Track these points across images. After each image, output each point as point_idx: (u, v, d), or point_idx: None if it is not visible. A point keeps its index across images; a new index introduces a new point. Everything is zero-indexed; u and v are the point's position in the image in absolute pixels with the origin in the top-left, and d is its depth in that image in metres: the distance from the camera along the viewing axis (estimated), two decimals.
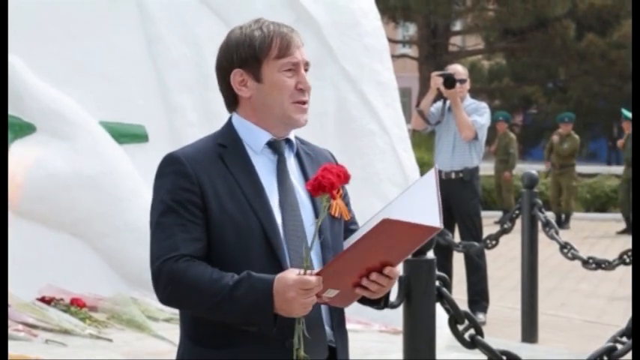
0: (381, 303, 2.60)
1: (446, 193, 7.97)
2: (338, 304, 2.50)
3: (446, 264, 7.88)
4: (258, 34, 2.56)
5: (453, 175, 7.97)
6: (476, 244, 7.80)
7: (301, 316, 2.43)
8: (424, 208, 2.37)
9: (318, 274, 2.39)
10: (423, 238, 2.42)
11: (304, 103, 2.58)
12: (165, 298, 2.49)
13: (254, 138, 2.58)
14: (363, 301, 2.56)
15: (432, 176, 2.40)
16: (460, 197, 7.92)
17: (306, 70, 2.60)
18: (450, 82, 7.96)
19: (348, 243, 2.51)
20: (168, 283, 2.45)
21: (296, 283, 2.37)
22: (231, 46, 2.58)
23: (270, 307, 2.39)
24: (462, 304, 4.28)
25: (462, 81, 8.10)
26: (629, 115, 15.09)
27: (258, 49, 2.55)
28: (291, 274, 2.40)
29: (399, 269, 2.49)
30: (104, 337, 5.88)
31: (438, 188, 2.40)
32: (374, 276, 2.44)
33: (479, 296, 8.09)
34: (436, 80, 7.99)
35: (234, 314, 2.42)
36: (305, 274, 2.39)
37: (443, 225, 2.39)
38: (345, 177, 2.42)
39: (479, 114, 8.12)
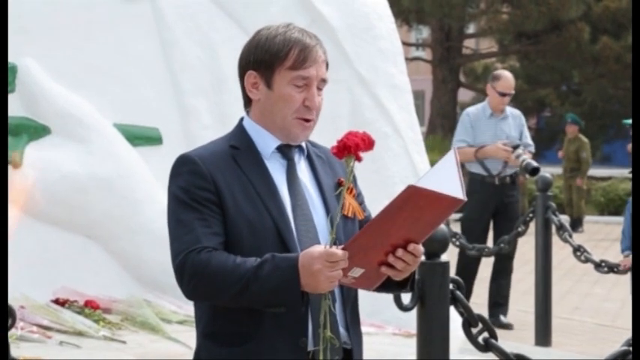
0: (407, 285, 2.58)
1: (500, 197, 7.95)
2: (363, 285, 2.49)
3: (474, 268, 7.89)
4: (279, 40, 2.54)
5: (508, 180, 8.00)
6: (489, 247, 7.80)
7: (327, 292, 2.42)
8: (447, 183, 2.37)
9: (343, 248, 2.40)
10: (447, 211, 2.42)
11: (308, 120, 2.56)
12: (191, 291, 2.48)
13: (264, 142, 2.58)
14: (389, 286, 2.55)
15: (452, 155, 2.41)
16: (512, 199, 7.96)
17: (320, 88, 2.57)
18: (534, 171, 7.81)
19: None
20: (193, 275, 2.45)
21: (322, 255, 2.37)
22: (252, 47, 2.58)
23: (296, 282, 2.38)
24: (477, 307, 4.28)
25: (510, 95, 8.12)
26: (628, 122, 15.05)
27: (274, 56, 2.53)
28: (317, 247, 2.40)
29: (422, 251, 2.48)
30: (118, 339, 5.90)
31: (459, 166, 2.40)
32: (400, 252, 2.43)
33: (504, 299, 8.10)
34: (504, 155, 7.86)
35: (261, 295, 2.41)
36: (331, 247, 2.39)
37: (466, 198, 2.40)
38: (369, 142, 2.42)
39: (525, 129, 8.14)
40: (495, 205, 7.97)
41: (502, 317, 7.96)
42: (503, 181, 7.95)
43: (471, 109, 8.19)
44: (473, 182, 8.00)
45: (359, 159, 2.43)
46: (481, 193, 7.89)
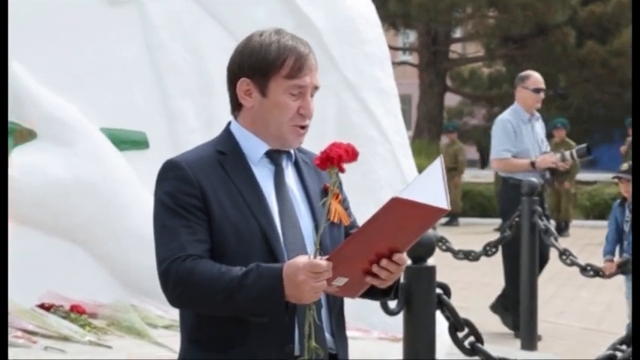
0: (390, 293, 2.59)
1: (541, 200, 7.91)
2: (347, 293, 2.50)
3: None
4: (274, 48, 2.53)
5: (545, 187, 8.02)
6: (476, 250, 7.81)
7: (311, 302, 2.42)
8: (431, 192, 2.38)
9: (328, 259, 2.40)
10: (431, 220, 2.43)
11: (303, 127, 2.57)
12: (176, 299, 2.48)
13: (252, 147, 2.58)
14: (374, 293, 2.56)
15: (437, 164, 2.42)
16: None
17: (312, 94, 2.58)
18: (589, 150, 7.86)
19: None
20: (177, 283, 2.45)
21: (306, 266, 2.38)
22: (246, 54, 2.57)
23: (280, 292, 2.38)
24: (463, 311, 4.28)
25: (543, 90, 8.14)
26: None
27: (270, 65, 2.53)
28: (301, 258, 2.41)
29: (406, 260, 2.49)
30: (104, 344, 5.88)
31: (444, 174, 2.41)
32: (384, 262, 2.43)
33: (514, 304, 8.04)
34: (553, 160, 7.88)
35: (245, 304, 2.41)
36: (315, 258, 2.39)
37: (450, 207, 2.40)
38: (353, 153, 2.42)
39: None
40: None
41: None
42: (543, 188, 7.94)
43: (507, 117, 8.05)
44: (517, 189, 7.72)
45: (342, 170, 2.43)
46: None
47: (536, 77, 8.13)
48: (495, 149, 7.99)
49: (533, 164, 7.82)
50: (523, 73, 8.41)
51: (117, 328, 6.12)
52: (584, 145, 7.93)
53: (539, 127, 8.14)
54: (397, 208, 2.35)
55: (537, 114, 8.16)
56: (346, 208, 2.64)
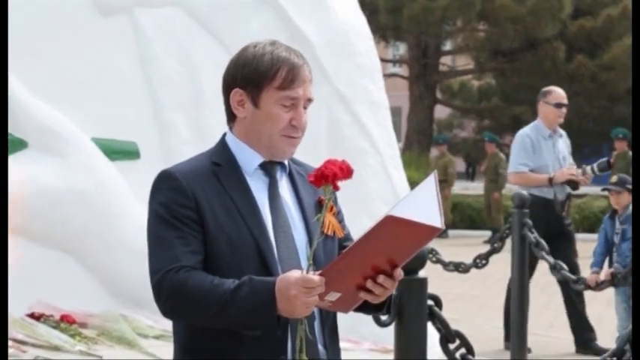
0: (383, 308, 2.59)
1: (561, 220, 7.80)
2: (339, 308, 2.49)
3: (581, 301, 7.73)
4: (267, 59, 2.54)
5: (566, 206, 7.95)
6: (466, 262, 7.82)
7: (303, 317, 2.42)
8: (425, 210, 2.37)
9: (321, 274, 2.39)
10: (426, 239, 2.41)
11: (294, 138, 2.57)
12: (169, 310, 2.48)
13: (246, 159, 2.59)
14: (366, 307, 2.55)
15: (431, 180, 2.41)
16: (568, 220, 7.94)
17: (305, 107, 2.58)
18: (609, 164, 7.85)
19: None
20: (170, 295, 2.46)
21: (298, 281, 2.37)
22: (239, 65, 2.57)
23: (272, 306, 2.39)
24: (454, 323, 4.29)
25: (566, 105, 8.11)
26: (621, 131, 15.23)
27: (262, 75, 2.53)
28: (294, 272, 2.40)
29: (401, 276, 2.48)
30: (94, 354, 5.87)
31: (438, 191, 2.40)
32: (381, 278, 2.42)
33: (590, 327, 7.95)
34: (572, 172, 7.85)
35: (238, 317, 2.42)
36: (308, 272, 2.39)
37: (444, 227, 2.40)
38: (347, 171, 2.42)
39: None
40: (556, 228, 7.87)
41: (597, 343, 7.89)
42: (563, 205, 7.90)
43: (527, 132, 7.96)
44: (532, 204, 7.46)
45: (336, 188, 2.43)
46: (545, 215, 7.71)
47: (558, 92, 8.10)
48: (513, 163, 7.97)
49: (550, 180, 7.79)
50: (545, 89, 8.36)
51: (107, 338, 6.11)
52: (604, 160, 7.87)
53: (563, 143, 8.06)
54: (391, 226, 2.34)
55: (560, 130, 8.09)
56: (340, 221, 2.65)
